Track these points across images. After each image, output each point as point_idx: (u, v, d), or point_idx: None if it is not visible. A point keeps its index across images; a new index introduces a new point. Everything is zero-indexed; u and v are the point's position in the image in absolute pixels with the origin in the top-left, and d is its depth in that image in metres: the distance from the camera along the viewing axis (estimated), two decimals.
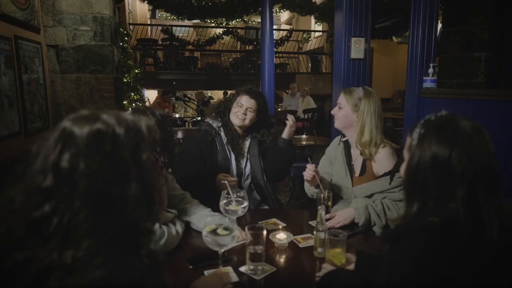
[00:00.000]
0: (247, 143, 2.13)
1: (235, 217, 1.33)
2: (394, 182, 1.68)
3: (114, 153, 0.68)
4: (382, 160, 1.76)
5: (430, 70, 2.98)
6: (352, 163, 1.88)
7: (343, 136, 1.94)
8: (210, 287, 1.08)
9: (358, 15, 4.05)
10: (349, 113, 1.81)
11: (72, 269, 0.63)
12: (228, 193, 1.49)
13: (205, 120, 2.15)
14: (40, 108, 3.39)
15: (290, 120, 2.03)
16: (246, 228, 1.27)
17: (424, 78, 3.05)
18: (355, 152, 1.87)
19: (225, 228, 1.21)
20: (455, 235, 0.83)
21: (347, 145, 1.92)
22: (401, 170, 1.01)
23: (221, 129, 2.08)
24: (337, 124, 1.88)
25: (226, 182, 1.54)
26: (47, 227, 0.64)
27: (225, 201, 1.48)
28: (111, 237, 0.67)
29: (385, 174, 1.74)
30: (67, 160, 0.65)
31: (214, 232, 1.20)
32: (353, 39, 4.14)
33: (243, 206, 1.47)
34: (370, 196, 1.75)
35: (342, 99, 1.85)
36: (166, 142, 1.49)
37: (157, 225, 1.40)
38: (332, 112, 1.90)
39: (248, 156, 2.12)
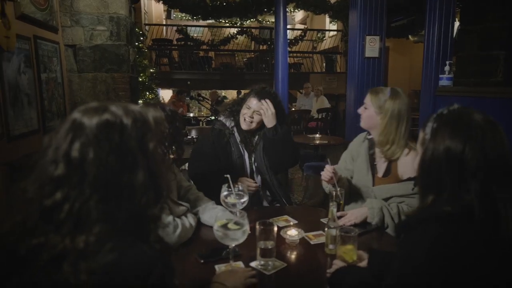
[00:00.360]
0: (260, 142, 2.11)
1: (236, 210, 1.34)
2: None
3: (121, 142, 0.71)
4: (409, 164, 1.70)
5: (446, 68, 2.93)
6: (375, 163, 1.85)
7: (369, 133, 1.91)
8: (231, 279, 1.10)
9: (373, 13, 4.02)
10: (373, 114, 1.77)
11: (84, 254, 0.65)
12: (229, 187, 1.51)
13: (218, 119, 2.13)
14: (58, 107, 3.47)
15: (265, 104, 1.96)
16: (256, 223, 1.28)
17: (440, 76, 3.01)
18: (379, 152, 1.83)
19: (236, 223, 1.22)
20: (468, 226, 0.83)
21: (372, 143, 1.88)
22: (414, 164, 1.00)
23: (235, 128, 2.07)
24: (362, 124, 1.84)
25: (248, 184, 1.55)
26: (58, 214, 0.67)
27: (225, 193, 1.51)
28: (120, 223, 0.69)
29: (409, 179, 1.70)
30: (77, 150, 0.68)
31: (225, 226, 1.21)
32: (368, 38, 4.11)
33: (242, 200, 1.49)
34: (388, 199, 1.73)
35: (367, 99, 1.81)
36: (175, 138, 1.50)
37: (170, 218, 1.43)
38: (358, 111, 1.86)
39: (260, 156, 2.11)
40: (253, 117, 1.99)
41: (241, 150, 2.07)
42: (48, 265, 0.65)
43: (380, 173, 1.82)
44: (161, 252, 0.72)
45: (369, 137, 1.90)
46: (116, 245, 0.67)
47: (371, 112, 1.78)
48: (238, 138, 2.07)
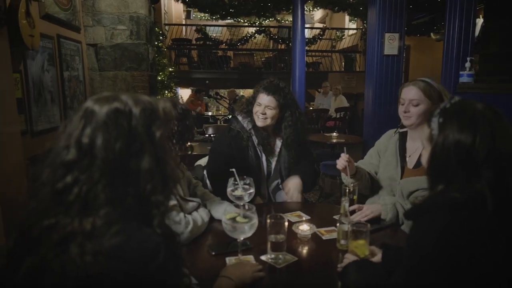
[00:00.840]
0: (279, 143, 2.08)
1: (243, 203, 1.35)
2: None
3: (130, 129, 0.74)
4: None
5: (467, 65, 2.85)
6: (405, 154, 1.80)
7: (401, 127, 1.85)
8: (237, 272, 1.12)
9: (392, 10, 3.95)
10: (428, 108, 1.67)
11: (90, 236, 0.68)
12: (235, 180, 1.52)
13: (236, 117, 2.09)
14: (80, 104, 3.57)
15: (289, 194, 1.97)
16: (268, 216, 1.29)
17: (461, 72, 2.93)
18: (413, 145, 1.80)
19: (245, 216, 1.23)
20: (478, 214, 0.82)
21: (403, 137, 1.85)
22: (423, 161, 1.00)
23: (252, 131, 2.04)
24: (412, 121, 1.73)
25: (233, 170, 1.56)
26: (68, 197, 0.70)
27: (232, 187, 1.52)
28: (126, 207, 0.72)
29: None
30: (88, 135, 0.72)
31: (233, 219, 1.23)
32: (387, 35, 4.05)
33: (249, 192, 1.50)
34: (414, 192, 1.69)
35: (417, 94, 1.70)
36: (184, 135, 1.52)
37: (182, 215, 1.45)
38: (402, 109, 1.75)
39: (278, 157, 2.09)
40: (265, 113, 1.96)
41: (259, 153, 2.05)
42: (57, 246, 0.68)
43: (410, 165, 1.78)
44: (166, 238, 0.74)
45: (401, 130, 1.85)
46: (121, 229, 0.70)
47: (426, 106, 1.67)
48: (255, 141, 2.04)
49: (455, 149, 0.86)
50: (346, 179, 1.83)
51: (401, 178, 1.78)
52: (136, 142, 0.74)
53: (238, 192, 1.51)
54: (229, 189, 1.53)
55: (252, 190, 1.53)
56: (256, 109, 1.99)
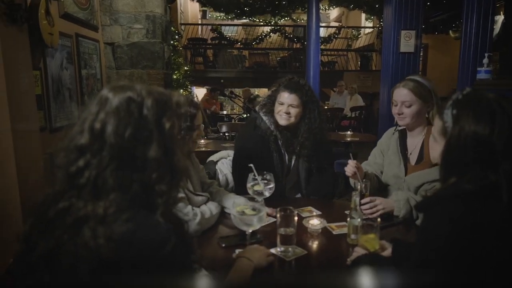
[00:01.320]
0: (300, 143, 2.02)
1: (262, 198, 1.36)
2: None
3: (140, 117, 0.76)
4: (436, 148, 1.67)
5: (485, 60, 2.79)
6: (408, 152, 1.82)
7: (398, 125, 1.87)
8: (256, 255, 1.18)
9: (408, 7, 3.90)
10: (420, 108, 1.73)
11: (103, 221, 0.70)
12: (254, 175, 1.53)
13: (261, 115, 2.03)
14: None
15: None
16: (278, 209, 1.29)
17: (478, 69, 2.87)
18: (413, 142, 1.82)
19: (253, 209, 1.24)
20: (491, 206, 0.81)
21: (403, 134, 1.86)
22: (435, 154, 0.99)
23: (276, 131, 2.00)
24: (407, 121, 1.77)
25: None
26: (79, 180, 0.73)
27: (252, 183, 1.53)
28: (133, 194, 0.74)
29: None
30: (100, 120, 0.75)
31: (242, 212, 1.24)
32: (403, 32, 3.99)
33: (269, 187, 1.51)
34: (420, 186, 1.69)
35: (408, 96, 1.74)
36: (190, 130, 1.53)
37: (189, 207, 1.47)
38: (395, 111, 1.79)
39: (298, 156, 2.05)
40: (289, 112, 1.91)
41: (282, 151, 2.04)
42: (71, 228, 0.71)
43: (413, 162, 1.79)
44: (174, 227, 0.76)
45: (399, 128, 1.87)
46: (132, 216, 0.72)
47: (419, 106, 1.71)
48: (280, 141, 2.01)
49: (472, 140, 0.84)
50: (356, 183, 1.82)
51: (405, 175, 1.78)
52: (145, 130, 0.76)
53: (259, 187, 1.52)
54: (249, 184, 1.54)
55: (272, 185, 1.53)
56: (279, 108, 1.94)
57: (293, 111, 1.92)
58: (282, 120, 1.93)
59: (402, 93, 1.73)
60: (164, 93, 0.83)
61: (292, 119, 1.93)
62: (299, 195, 2.07)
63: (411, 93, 1.71)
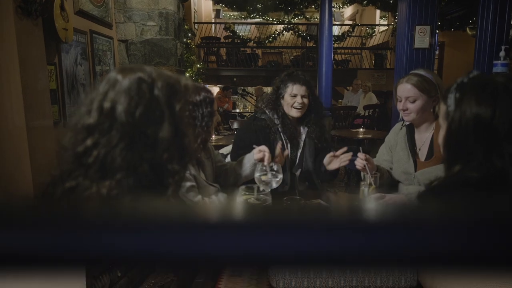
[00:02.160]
0: (304, 132, 2.08)
1: (269, 189, 1.35)
2: None
3: (151, 97, 0.77)
4: None
5: (502, 54, 2.72)
6: (416, 148, 1.79)
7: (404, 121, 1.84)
8: None
9: (424, 2, 3.83)
10: (426, 102, 1.71)
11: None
12: (264, 166, 1.53)
13: (263, 110, 2.08)
14: None
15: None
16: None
17: (494, 62, 2.80)
18: (421, 137, 1.78)
19: (257, 199, 1.24)
20: (499, 193, 0.78)
21: (410, 130, 1.83)
22: (439, 139, 0.96)
23: (280, 125, 2.03)
24: (412, 117, 1.76)
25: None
26: (87, 159, 0.73)
27: (260, 173, 1.52)
28: (141, 174, 0.74)
29: None
30: (110, 100, 0.75)
31: (246, 202, 1.24)
32: (418, 28, 3.93)
33: (277, 178, 1.51)
34: (432, 182, 1.66)
35: (412, 91, 1.73)
36: (206, 119, 1.54)
37: (199, 197, 1.48)
38: (399, 107, 1.77)
39: (303, 146, 2.08)
40: (303, 102, 1.97)
41: (285, 143, 2.04)
42: (77, 207, 0.71)
43: (422, 158, 1.75)
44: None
45: (407, 123, 1.84)
46: (136, 199, 0.72)
47: (424, 101, 1.68)
48: (281, 131, 2.03)
49: (474, 123, 0.81)
50: (365, 175, 1.81)
51: (415, 171, 1.74)
52: (156, 110, 0.77)
53: (266, 178, 1.51)
54: (257, 174, 1.54)
55: (280, 176, 1.53)
56: (292, 100, 1.98)
57: (306, 101, 2.00)
58: (297, 112, 1.99)
59: (405, 88, 1.70)
60: (172, 76, 0.85)
61: (305, 110, 2.00)
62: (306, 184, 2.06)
63: (415, 88, 1.67)
